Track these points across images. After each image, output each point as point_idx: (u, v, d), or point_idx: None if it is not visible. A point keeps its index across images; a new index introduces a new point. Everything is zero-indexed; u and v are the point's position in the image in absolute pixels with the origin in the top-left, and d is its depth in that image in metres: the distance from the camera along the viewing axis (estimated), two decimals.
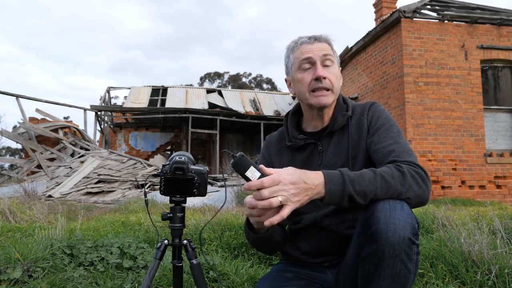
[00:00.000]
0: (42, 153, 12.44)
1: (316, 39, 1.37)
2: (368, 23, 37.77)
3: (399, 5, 12.52)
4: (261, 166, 1.07)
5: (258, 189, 1.03)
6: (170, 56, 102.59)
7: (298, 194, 1.04)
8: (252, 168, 1.06)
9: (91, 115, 17.57)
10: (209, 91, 17.71)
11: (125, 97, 17.06)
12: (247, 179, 1.05)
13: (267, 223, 1.04)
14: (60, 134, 13.37)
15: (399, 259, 1.05)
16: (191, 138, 13.99)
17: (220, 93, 17.25)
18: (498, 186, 8.60)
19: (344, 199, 1.07)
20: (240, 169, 1.06)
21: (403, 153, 1.22)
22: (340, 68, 1.47)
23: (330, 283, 1.33)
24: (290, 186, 1.03)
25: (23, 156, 13.78)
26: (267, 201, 1.02)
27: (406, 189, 1.11)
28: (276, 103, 16.54)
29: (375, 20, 12.15)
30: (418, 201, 1.15)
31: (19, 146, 14.31)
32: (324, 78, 1.33)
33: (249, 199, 1.07)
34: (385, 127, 1.32)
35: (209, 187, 8.60)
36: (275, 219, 1.03)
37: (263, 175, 1.05)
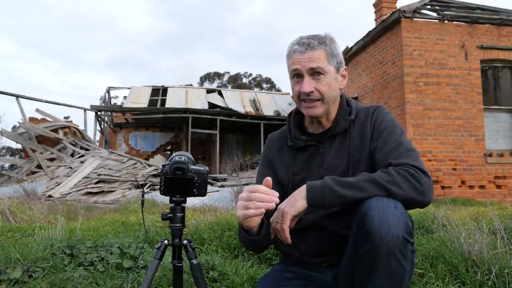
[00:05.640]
0: (42, 153, 12.44)
1: (308, 47, 1.31)
2: (368, 23, 37.82)
3: (399, 5, 12.49)
4: None
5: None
6: (172, 53, 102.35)
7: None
8: None
9: (91, 115, 17.52)
10: (209, 91, 17.70)
11: (125, 97, 17.06)
12: None
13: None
14: (60, 134, 13.36)
15: (394, 257, 1.05)
16: (191, 138, 13.99)
17: (220, 93, 17.24)
18: (498, 186, 8.59)
19: (324, 199, 1.16)
20: None
21: (401, 155, 1.22)
22: (344, 67, 1.45)
23: (329, 283, 1.33)
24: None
25: (23, 156, 13.77)
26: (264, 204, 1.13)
27: (393, 190, 1.13)
28: (276, 103, 16.53)
29: (375, 20, 12.14)
30: (412, 201, 1.15)
31: (19, 146, 14.27)
32: (312, 91, 1.31)
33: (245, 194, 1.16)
34: (387, 130, 1.31)
35: (209, 187, 8.59)
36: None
37: None
